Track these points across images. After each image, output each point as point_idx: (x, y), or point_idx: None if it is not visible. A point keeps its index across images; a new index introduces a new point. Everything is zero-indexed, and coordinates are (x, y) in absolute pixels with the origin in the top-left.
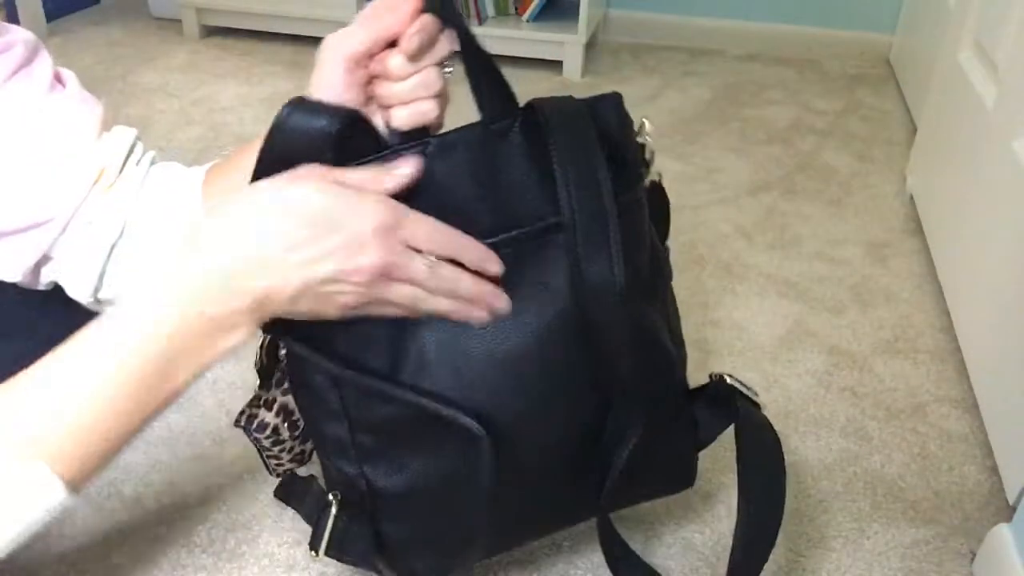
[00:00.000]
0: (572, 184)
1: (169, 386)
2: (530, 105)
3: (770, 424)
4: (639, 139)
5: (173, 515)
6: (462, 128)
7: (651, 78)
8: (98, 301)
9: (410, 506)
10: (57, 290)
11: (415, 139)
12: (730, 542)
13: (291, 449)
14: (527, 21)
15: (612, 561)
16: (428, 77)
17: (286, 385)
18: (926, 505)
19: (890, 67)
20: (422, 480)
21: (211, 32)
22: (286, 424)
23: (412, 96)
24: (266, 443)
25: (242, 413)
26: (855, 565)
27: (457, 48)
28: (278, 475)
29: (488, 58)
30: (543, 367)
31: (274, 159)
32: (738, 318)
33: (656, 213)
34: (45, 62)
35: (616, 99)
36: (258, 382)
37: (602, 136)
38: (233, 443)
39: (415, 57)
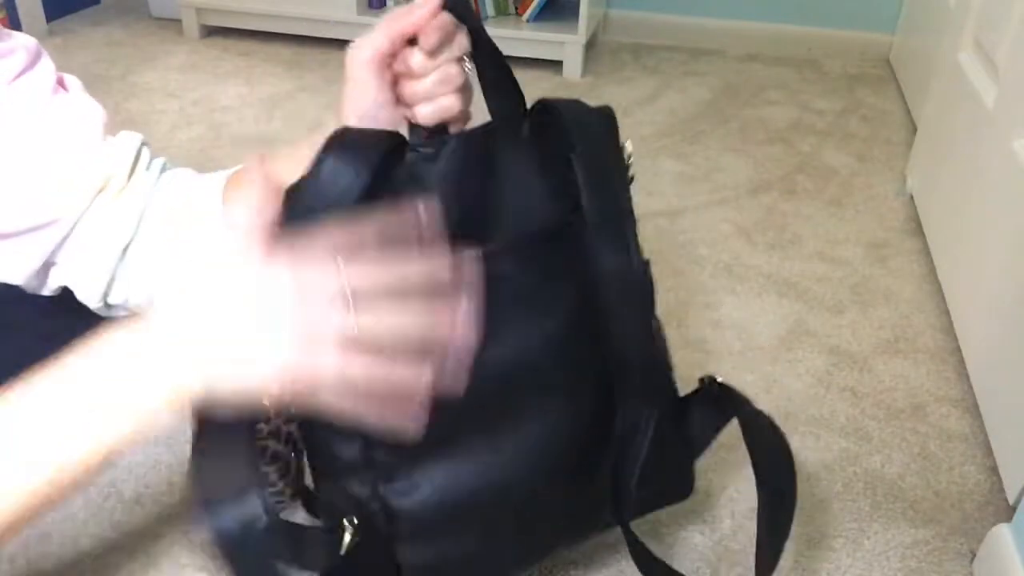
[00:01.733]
0: (592, 178)
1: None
2: (541, 105)
3: (767, 416)
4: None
5: (173, 515)
6: (475, 129)
7: (651, 78)
8: (107, 306)
9: (429, 526)
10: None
11: (436, 136)
12: (731, 543)
13: (294, 481)
14: (527, 21)
15: (644, 568)
16: (448, 73)
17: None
18: (926, 505)
19: (890, 67)
20: (439, 495)
21: (211, 32)
22: (292, 453)
23: (434, 92)
24: (273, 477)
25: None
26: (855, 565)
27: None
28: None
29: (499, 57)
30: (554, 367)
31: (303, 208)
32: (738, 318)
33: None
34: (48, 67)
35: (608, 111)
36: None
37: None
38: None
39: (434, 53)
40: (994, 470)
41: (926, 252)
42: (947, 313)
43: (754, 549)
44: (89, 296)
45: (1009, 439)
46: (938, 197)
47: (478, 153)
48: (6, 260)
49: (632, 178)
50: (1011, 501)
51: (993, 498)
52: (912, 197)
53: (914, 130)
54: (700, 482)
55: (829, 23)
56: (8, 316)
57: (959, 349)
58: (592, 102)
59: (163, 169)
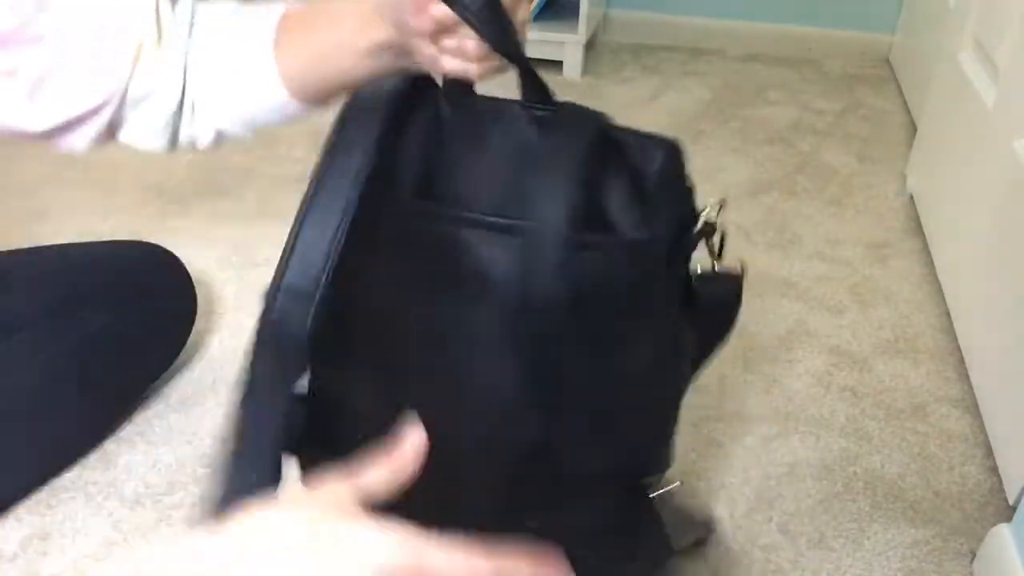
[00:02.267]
0: (540, 189)
1: None
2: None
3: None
4: (702, 211)
5: (173, 515)
6: (506, 100)
7: (651, 78)
8: (175, 149)
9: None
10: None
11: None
12: (732, 544)
13: None
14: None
15: None
16: (463, 45)
17: None
18: (926, 505)
19: (890, 67)
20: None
21: None
22: None
23: (447, 51)
24: None
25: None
26: (855, 565)
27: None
28: None
29: (522, 57)
30: (480, 359)
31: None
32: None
33: (718, 304)
34: None
35: (672, 146)
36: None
37: (628, 171)
38: None
39: (435, 36)
40: (994, 470)
41: (926, 252)
42: (947, 313)
43: (754, 551)
44: (155, 150)
45: (1009, 439)
46: (938, 197)
47: (514, 127)
48: (67, 143)
49: (710, 230)
50: (1011, 501)
51: (993, 498)
52: (912, 197)
53: (914, 130)
54: (700, 482)
55: (829, 23)
56: (7, 318)
57: (959, 349)
58: (592, 102)
59: (192, 11)
